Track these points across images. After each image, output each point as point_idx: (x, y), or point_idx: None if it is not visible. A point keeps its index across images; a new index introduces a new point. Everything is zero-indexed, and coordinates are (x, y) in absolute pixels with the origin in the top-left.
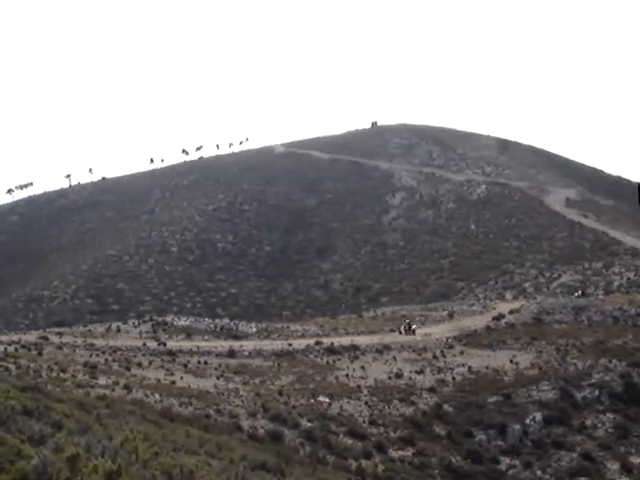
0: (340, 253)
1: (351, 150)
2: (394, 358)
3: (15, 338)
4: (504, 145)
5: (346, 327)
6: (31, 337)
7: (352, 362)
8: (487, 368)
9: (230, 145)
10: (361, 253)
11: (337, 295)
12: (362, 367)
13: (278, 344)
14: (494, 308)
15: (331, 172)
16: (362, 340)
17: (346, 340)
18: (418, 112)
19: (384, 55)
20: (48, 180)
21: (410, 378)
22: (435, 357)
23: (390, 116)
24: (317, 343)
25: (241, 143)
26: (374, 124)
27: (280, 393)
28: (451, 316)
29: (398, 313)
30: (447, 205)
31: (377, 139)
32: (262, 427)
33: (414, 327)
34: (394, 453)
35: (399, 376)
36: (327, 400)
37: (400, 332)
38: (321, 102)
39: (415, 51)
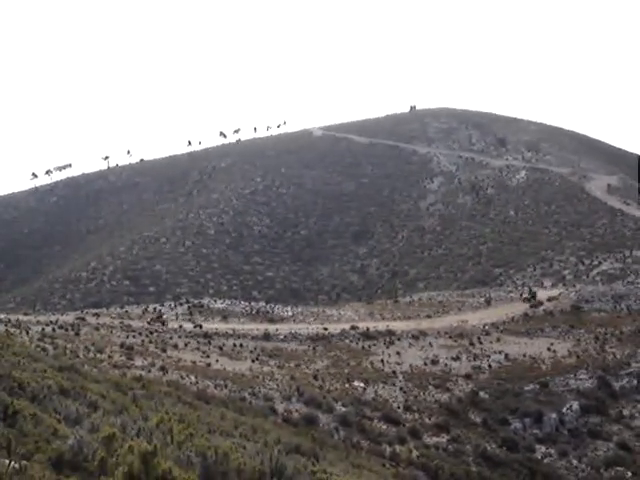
0: (377, 238)
1: (389, 134)
2: (430, 344)
3: (53, 319)
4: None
5: (382, 312)
6: (68, 318)
7: (387, 347)
8: (524, 356)
9: (268, 128)
10: (398, 238)
11: (373, 280)
12: (397, 352)
13: (313, 328)
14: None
15: (369, 156)
16: (398, 325)
17: (382, 325)
18: (458, 96)
19: (424, 38)
20: (87, 162)
21: (446, 364)
22: (471, 344)
23: (429, 100)
24: (352, 328)
25: (279, 126)
26: (413, 108)
27: (315, 377)
28: (488, 303)
29: (435, 299)
30: (486, 190)
31: (416, 123)
32: (297, 411)
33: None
34: (429, 439)
35: (435, 362)
36: (362, 385)
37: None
38: (360, 85)
39: (457, 34)
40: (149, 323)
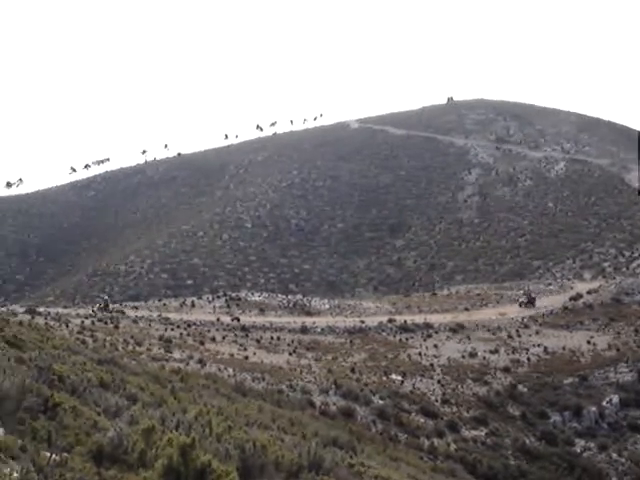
0: (414, 230)
1: (426, 126)
2: (468, 337)
3: (92, 312)
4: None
5: (419, 305)
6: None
7: (425, 340)
8: (563, 349)
9: (304, 121)
10: (435, 230)
11: (410, 273)
12: (435, 345)
13: (350, 321)
14: (571, 288)
15: (406, 148)
16: (435, 318)
17: (419, 318)
18: (495, 87)
19: (462, 29)
20: (125, 156)
21: (484, 357)
22: (510, 337)
23: (466, 91)
24: (390, 321)
25: (315, 119)
26: (450, 99)
27: (352, 370)
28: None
29: (472, 292)
30: (524, 182)
31: (453, 115)
32: (334, 403)
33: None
34: (467, 433)
35: (473, 355)
36: (399, 378)
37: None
38: (397, 77)
39: (495, 24)
40: (94, 312)
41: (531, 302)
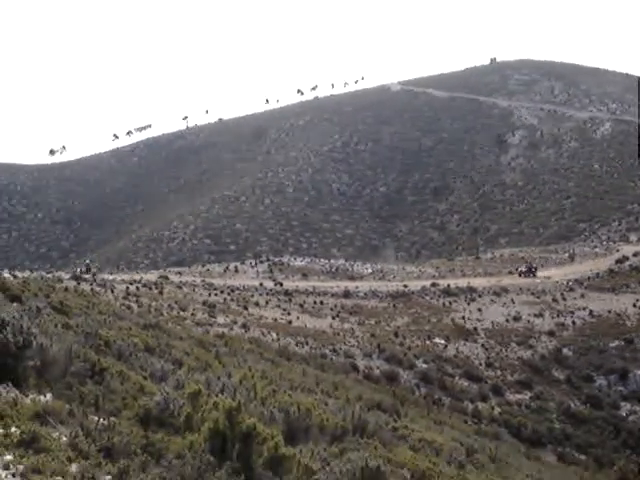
0: (457, 194)
1: (469, 87)
2: (512, 301)
3: (137, 277)
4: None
5: (463, 269)
6: (152, 276)
7: (469, 304)
8: (609, 312)
9: (345, 84)
10: (479, 193)
11: (453, 236)
12: (479, 309)
13: (393, 285)
14: (617, 250)
15: (448, 110)
16: (479, 282)
17: (462, 282)
18: (540, 47)
19: None
20: (166, 122)
21: (528, 321)
22: (555, 300)
23: (510, 51)
24: (433, 285)
25: (356, 82)
26: (493, 60)
27: (395, 334)
28: (572, 258)
29: (517, 255)
30: (569, 144)
31: (496, 76)
32: (377, 367)
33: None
34: (511, 396)
35: (517, 319)
36: (443, 342)
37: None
38: (439, 38)
39: None
40: (77, 276)
41: (531, 272)
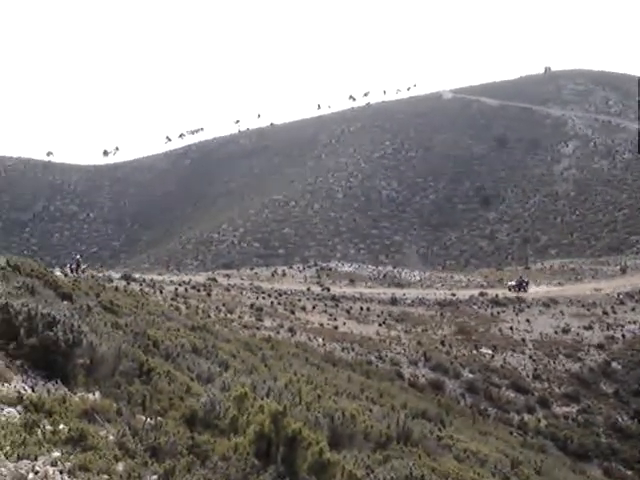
0: (508, 203)
1: (522, 96)
2: (561, 312)
3: (185, 279)
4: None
5: (512, 279)
6: (200, 278)
7: (517, 315)
8: None
9: (397, 91)
10: (530, 203)
11: (503, 246)
12: (527, 320)
13: (441, 293)
14: None
15: (501, 119)
16: (528, 292)
17: (511, 292)
18: (595, 57)
19: None
20: (218, 125)
21: (577, 333)
22: (605, 313)
23: (564, 61)
24: (481, 294)
25: (409, 89)
26: (547, 69)
27: (442, 343)
28: (623, 271)
29: (567, 266)
30: (623, 155)
31: (550, 85)
32: (423, 376)
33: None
34: (558, 409)
35: (566, 331)
36: (490, 352)
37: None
38: (493, 46)
39: None
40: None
41: (521, 287)
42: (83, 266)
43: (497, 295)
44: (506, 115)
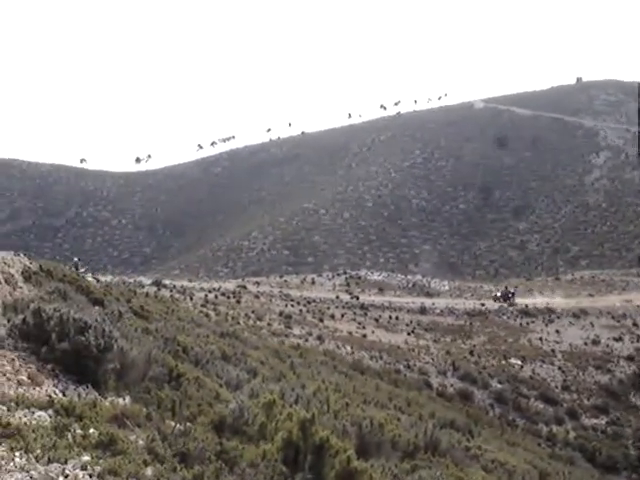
0: (538, 213)
1: (554, 107)
2: (591, 324)
3: (215, 286)
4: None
5: (542, 289)
6: (230, 285)
7: (547, 325)
8: None
9: (428, 100)
10: (560, 214)
11: (533, 256)
12: (557, 331)
13: (470, 303)
14: None
15: (532, 129)
16: (558, 303)
17: (541, 302)
18: (626, 67)
19: (592, 7)
20: (250, 133)
21: (607, 345)
22: (635, 324)
23: (596, 71)
24: (510, 304)
25: (440, 98)
26: (579, 80)
27: (471, 352)
28: None
29: (597, 277)
30: None
31: (582, 95)
32: (451, 385)
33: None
34: (587, 421)
35: (596, 342)
36: (519, 362)
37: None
38: (525, 56)
39: (628, 2)
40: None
41: (507, 298)
42: (82, 270)
43: (527, 305)
44: (537, 125)
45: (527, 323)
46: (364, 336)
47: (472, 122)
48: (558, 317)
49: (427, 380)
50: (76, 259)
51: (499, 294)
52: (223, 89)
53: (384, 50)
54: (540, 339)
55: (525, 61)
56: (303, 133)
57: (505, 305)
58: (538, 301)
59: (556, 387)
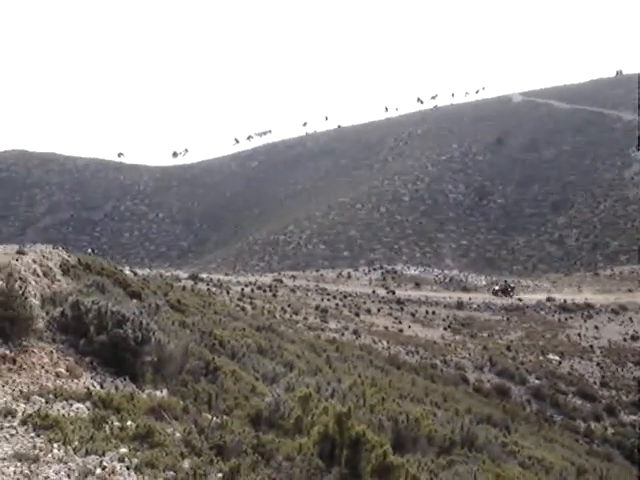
0: (577, 207)
1: (593, 100)
2: (630, 319)
3: (252, 279)
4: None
5: (580, 285)
6: (266, 279)
7: (585, 321)
8: None
9: (466, 94)
10: (600, 208)
11: (572, 251)
12: (596, 327)
13: (508, 298)
14: None
15: (571, 123)
16: (597, 299)
17: (580, 298)
18: None
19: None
20: (286, 127)
21: None
22: None
23: (636, 64)
24: (549, 299)
25: (477, 92)
26: (619, 72)
27: (508, 348)
28: None
29: (637, 272)
30: None
31: (621, 88)
32: (488, 381)
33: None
34: (625, 417)
35: (635, 338)
36: (557, 358)
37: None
38: (564, 49)
39: None
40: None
41: (506, 292)
42: None
43: (565, 301)
44: (576, 119)
45: (565, 319)
46: (400, 331)
47: (510, 115)
48: (597, 313)
49: (464, 375)
50: (90, 250)
51: (498, 288)
52: (260, 83)
53: (422, 43)
54: (579, 335)
55: (564, 54)
56: (339, 127)
57: (507, 298)
58: (540, 297)
59: (594, 383)
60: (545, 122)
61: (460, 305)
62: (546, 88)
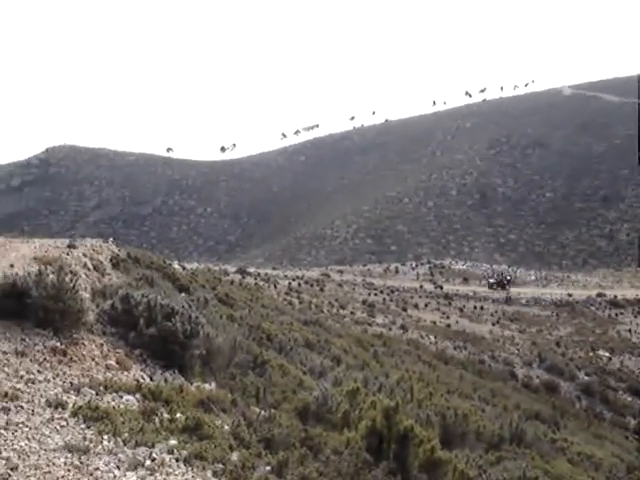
0: (628, 202)
1: None
2: None
3: (299, 274)
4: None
5: (631, 280)
6: (313, 273)
7: (636, 317)
8: None
9: (515, 87)
10: None
11: (623, 246)
12: None
13: (557, 293)
14: None
15: (621, 116)
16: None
17: (631, 294)
18: None
19: None
20: (333, 122)
21: None
22: None
23: None
24: (599, 295)
25: (526, 85)
26: None
27: (557, 344)
28: None
29: None
30: None
31: None
32: (537, 377)
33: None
34: None
35: None
36: (607, 354)
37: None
38: (614, 42)
39: None
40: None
41: (502, 285)
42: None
43: (616, 297)
44: (627, 112)
45: (616, 314)
46: (448, 326)
47: (559, 109)
48: None
49: (512, 371)
50: (111, 239)
51: (494, 281)
52: (307, 78)
53: (470, 36)
54: (629, 331)
55: (613, 47)
56: (387, 121)
57: (501, 292)
58: (537, 291)
59: None
60: (595, 115)
61: (509, 300)
62: (596, 81)
